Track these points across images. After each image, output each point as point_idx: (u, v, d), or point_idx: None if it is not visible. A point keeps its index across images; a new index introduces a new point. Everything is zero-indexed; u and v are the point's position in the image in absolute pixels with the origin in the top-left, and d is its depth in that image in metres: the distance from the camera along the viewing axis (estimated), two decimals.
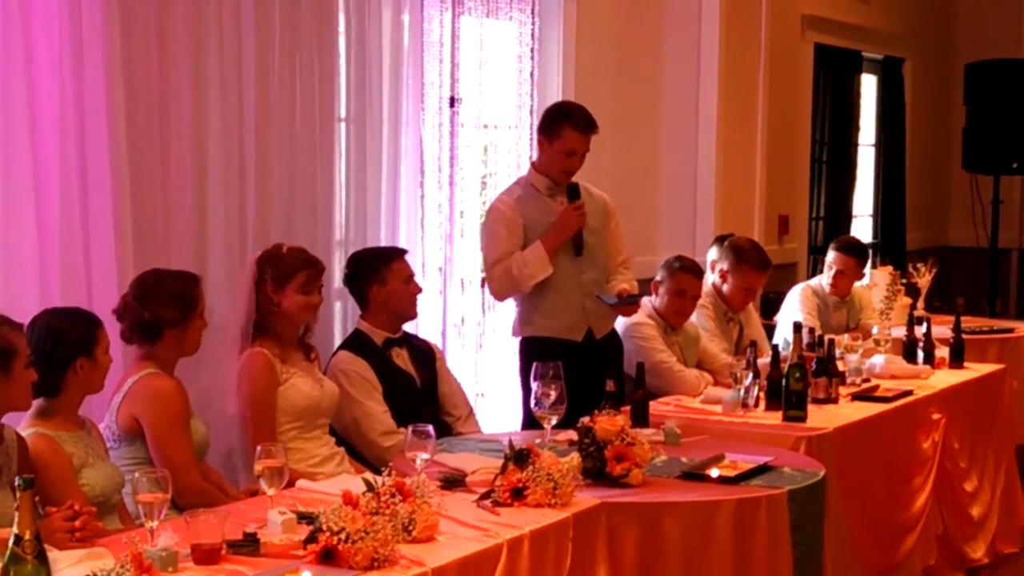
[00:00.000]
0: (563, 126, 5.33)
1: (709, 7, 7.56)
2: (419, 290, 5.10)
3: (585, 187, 5.50)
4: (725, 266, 6.14)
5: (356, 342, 4.98)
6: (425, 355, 5.12)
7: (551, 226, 5.33)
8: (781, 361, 5.11)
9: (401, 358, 5.01)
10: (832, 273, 7.07)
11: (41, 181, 4.31)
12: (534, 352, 5.25)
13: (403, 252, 5.15)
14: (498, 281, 5.37)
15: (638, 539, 3.78)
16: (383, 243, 5.53)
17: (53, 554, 2.79)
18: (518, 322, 5.52)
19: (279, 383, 4.47)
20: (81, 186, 4.42)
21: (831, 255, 7.14)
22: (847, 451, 4.86)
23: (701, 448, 4.46)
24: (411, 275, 5.07)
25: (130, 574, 2.56)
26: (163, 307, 4.06)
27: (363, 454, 4.76)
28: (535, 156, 5.52)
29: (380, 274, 4.97)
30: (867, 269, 7.57)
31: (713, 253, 6.46)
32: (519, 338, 5.52)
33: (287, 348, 4.55)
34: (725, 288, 6.14)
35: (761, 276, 6.20)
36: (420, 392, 5.00)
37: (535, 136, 5.60)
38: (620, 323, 5.71)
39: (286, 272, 4.52)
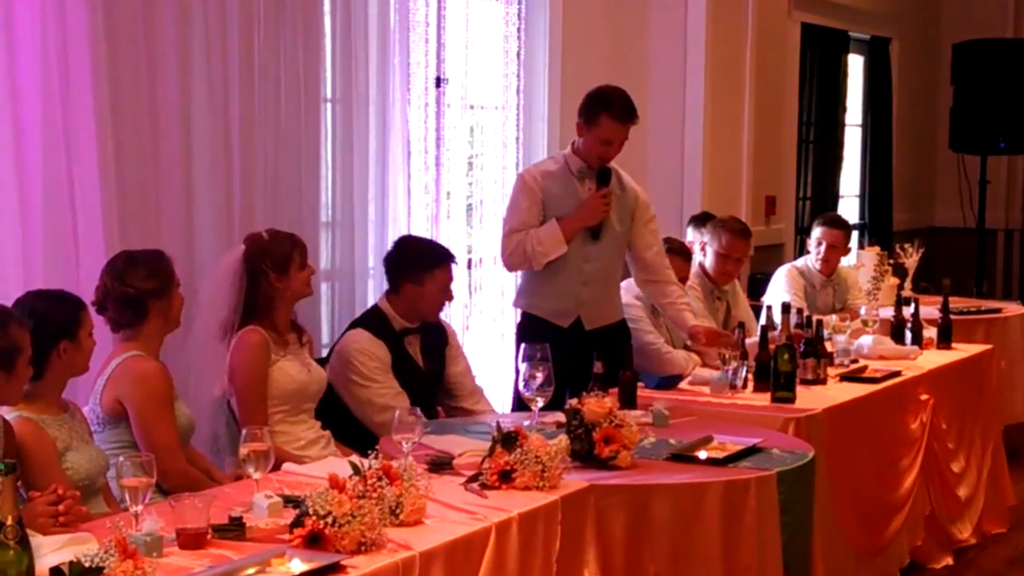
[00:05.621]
0: (601, 115, 5.19)
1: None
2: (451, 299, 5.04)
3: (621, 176, 5.42)
4: (705, 239, 6.18)
5: (375, 321, 4.92)
6: (436, 344, 5.04)
7: (575, 209, 5.23)
8: (769, 342, 5.10)
9: (413, 346, 4.97)
10: (823, 248, 7.06)
11: (25, 166, 4.26)
12: (526, 328, 5.32)
13: (451, 259, 5.02)
14: (511, 252, 5.29)
15: (627, 521, 3.77)
16: (370, 223, 5.49)
17: (36, 539, 2.77)
18: (518, 292, 5.54)
19: (270, 363, 4.45)
20: (67, 170, 4.37)
21: (818, 231, 7.13)
22: (835, 432, 4.85)
23: (689, 430, 4.45)
24: (448, 284, 4.96)
25: (114, 559, 2.54)
26: (144, 279, 4.03)
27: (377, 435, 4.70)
28: (576, 138, 5.33)
29: (420, 276, 4.87)
30: (853, 246, 7.56)
31: (690, 234, 6.46)
32: (518, 310, 5.52)
33: (280, 331, 4.53)
34: (707, 261, 6.14)
35: (739, 241, 6.16)
36: (423, 382, 4.95)
37: (576, 118, 5.34)
38: None
39: (282, 258, 4.49)
